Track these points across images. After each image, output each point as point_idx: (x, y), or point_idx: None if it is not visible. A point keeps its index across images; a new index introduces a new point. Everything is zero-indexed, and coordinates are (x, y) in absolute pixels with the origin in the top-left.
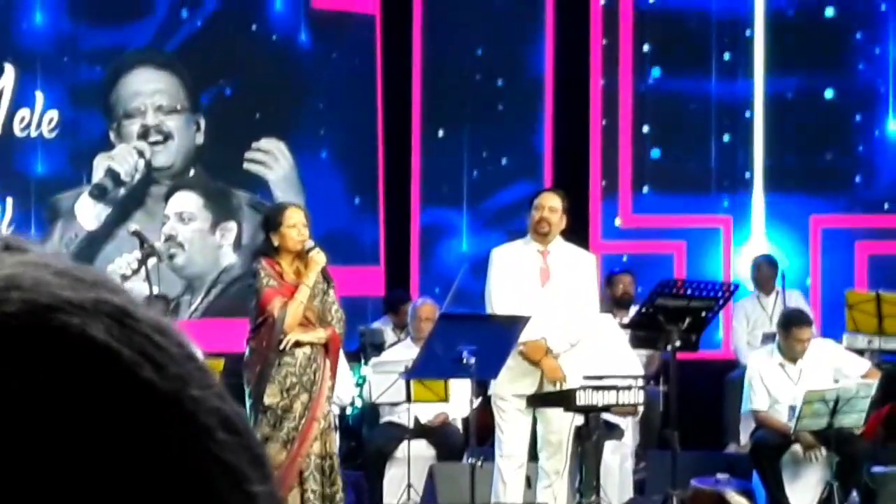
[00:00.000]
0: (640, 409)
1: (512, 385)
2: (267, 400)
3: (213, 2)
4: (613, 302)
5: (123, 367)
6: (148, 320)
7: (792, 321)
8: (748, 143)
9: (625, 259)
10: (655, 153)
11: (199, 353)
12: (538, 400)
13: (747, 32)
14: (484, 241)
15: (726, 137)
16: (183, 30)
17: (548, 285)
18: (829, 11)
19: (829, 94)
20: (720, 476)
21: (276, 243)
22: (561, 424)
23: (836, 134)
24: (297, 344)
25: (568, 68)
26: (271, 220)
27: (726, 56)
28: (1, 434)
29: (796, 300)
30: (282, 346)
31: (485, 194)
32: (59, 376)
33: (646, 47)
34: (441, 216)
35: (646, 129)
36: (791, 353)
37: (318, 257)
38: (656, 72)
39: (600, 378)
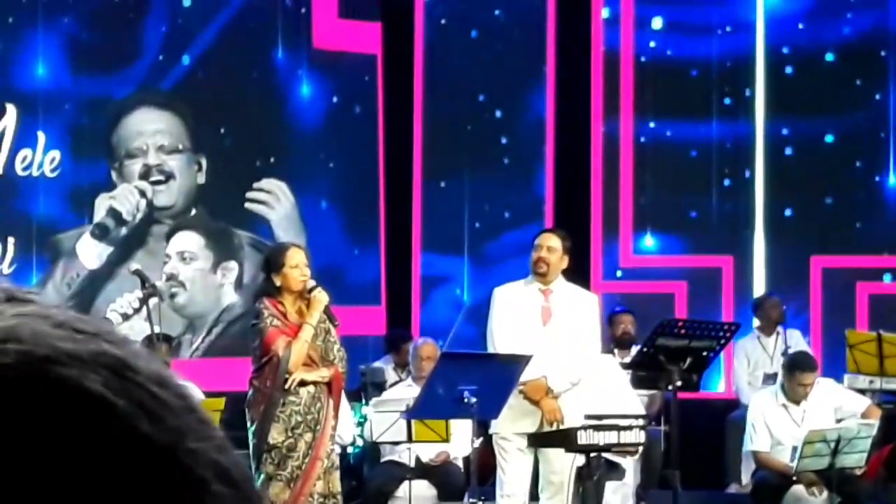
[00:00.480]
0: (640, 448)
1: (513, 424)
2: (272, 439)
3: (214, 44)
4: (614, 342)
5: (119, 420)
6: (148, 372)
7: (797, 365)
8: (749, 186)
9: (619, 298)
10: (656, 196)
11: (201, 397)
12: (539, 439)
13: (748, 78)
14: (485, 285)
15: (727, 181)
16: (184, 72)
17: (549, 325)
18: (829, 56)
19: (829, 138)
20: None
21: (278, 283)
22: (562, 464)
23: (836, 179)
24: (302, 383)
25: (569, 114)
26: (273, 260)
27: (727, 101)
28: None
29: (797, 340)
30: (287, 386)
31: (486, 239)
32: (54, 428)
33: (646, 93)
34: (442, 256)
35: (646, 173)
36: (794, 396)
37: (321, 297)
38: (655, 119)
39: (601, 418)
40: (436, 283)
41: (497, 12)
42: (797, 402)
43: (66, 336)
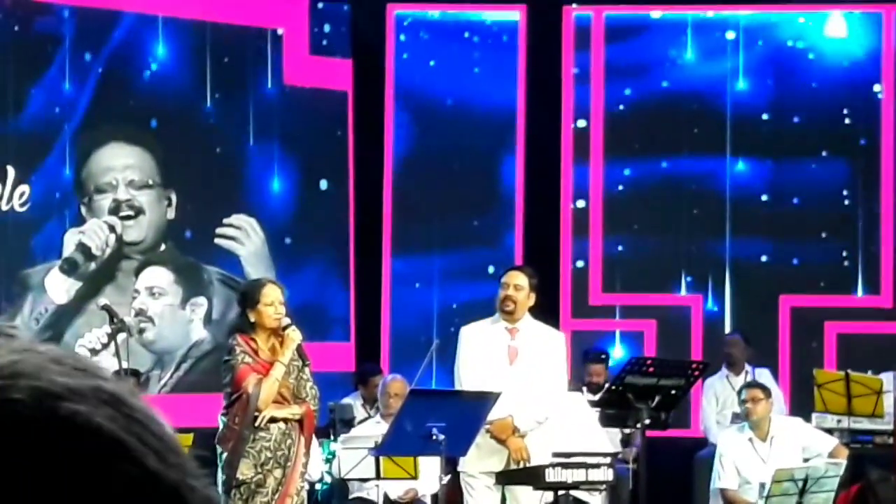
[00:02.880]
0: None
1: (480, 463)
2: (240, 475)
3: (185, 79)
4: (585, 385)
5: (130, 456)
6: (141, 408)
7: (744, 386)
8: (719, 227)
9: (590, 336)
10: (626, 237)
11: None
12: (507, 477)
13: (718, 122)
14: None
15: (697, 220)
16: (155, 105)
17: (516, 363)
18: (796, 119)
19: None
20: None
21: (252, 320)
22: (530, 502)
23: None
24: (272, 420)
25: (539, 166)
26: (249, 296)
27: (698, 143)
28: None
29: (765, 379)
30: (257, 423)
31: (455, 280)
32: (69, 464)
33: (615, 138)
34: (412, 290)
35: (616, 212)
36: (755, 423)
37: (294, 335)
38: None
39: (569, 455)
40: (406, 319)
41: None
42: (763, 437)
43: (66, 371)
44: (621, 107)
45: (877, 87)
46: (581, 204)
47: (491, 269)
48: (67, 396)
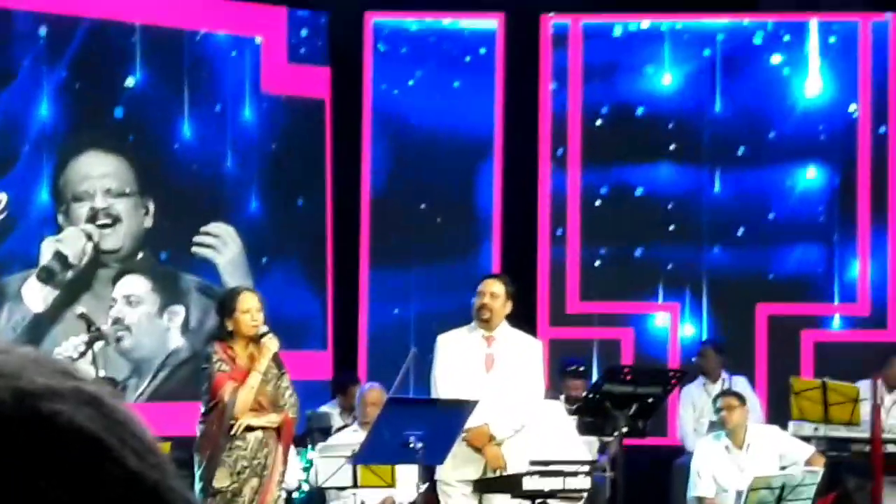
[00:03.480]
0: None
1: (456, 471)
2: (217, 483)
3: (162, 86)
4: (566, 399)
5: (111, 456)
6: (120, 409)
7: (720, 394)
8: (696, 236)
9: (568, 346)
10: (603, 246)
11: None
12: (484, 485)
13: (696, 131)
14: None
15: (673, 228)
16: (132, 113)
17: (492, 371)
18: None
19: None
20: None
21: (229, 328)
22: None
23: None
24: (249, 428)
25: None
26: (226, 304)
27: (676, 153)
28: None
29: (742, 387)
30: (232, 432)
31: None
32: (51, 463)
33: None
34: (389, 299)
35: (593, 220)
36: (731, 431)
37: (271, 343)
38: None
39: (547, 464)
40: (383, 328)
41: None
42: (739, 445)
43: (46, 372)
44: (599, 121)
45: (852, 107)
46: (559, 213)
47: (468, 278)
48: (49, 397)
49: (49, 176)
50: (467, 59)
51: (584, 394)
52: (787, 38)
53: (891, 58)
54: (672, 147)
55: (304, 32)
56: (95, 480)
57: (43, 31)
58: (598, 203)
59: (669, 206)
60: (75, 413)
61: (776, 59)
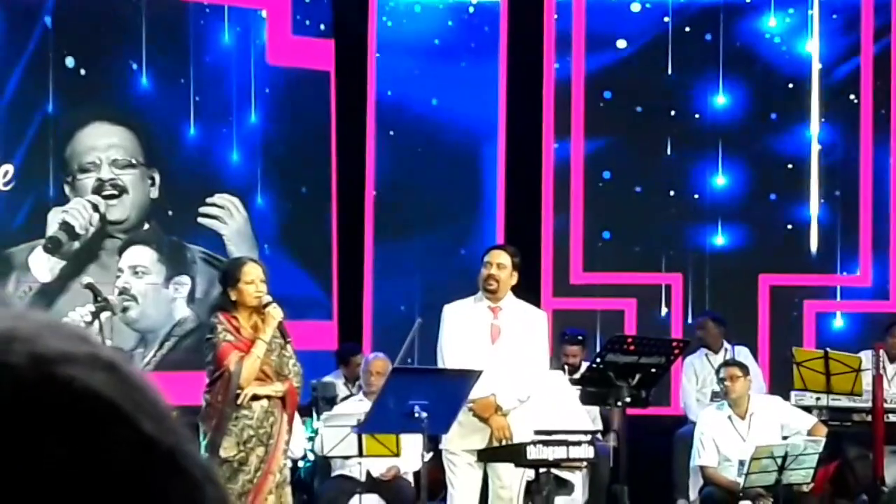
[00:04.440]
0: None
1: (462, 441)
2: (223, 453)
3: (169, 58)
4: (562, 367)
5: (127, 420)
6: (135, 374)
7: (723, 364)
8: (700, 207)
9: (570, 316)
10: (607, 213)
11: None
12: (489, 454)
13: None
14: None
15: (677, 200)
16: (138, 85)
17: (498, 342)
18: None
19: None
20: None
21: (233, 298)
22: (511, 479)
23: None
24: (255, 397)
25: (520, 134)
26: (229, 275)
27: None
28: (11, 480)
29: (744, 357)
30: (239, 401)
31: (437, 258)
32: (66, 426)
33: (597, 112)
34: (394, 269)
35: (597, 190)
36: (733, 401)
37: (275, 312)
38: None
39: (550, 433)
40: (387, 297)
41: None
42: (742, 415)
43: (63, 337)
44: (603, 94)
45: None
46: (562, 183)
47: (472, 248)
48: (64, 361)
49: (55, 147)
50: (471, 33)
51: (580, 361)
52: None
53: None
54: (677, 120)
55: (308, 4)
56: (111, 444)
57: (50, 3)
58: (602, 173)
59: (672, 178)
60: (91, 377)
61: (776, 38)
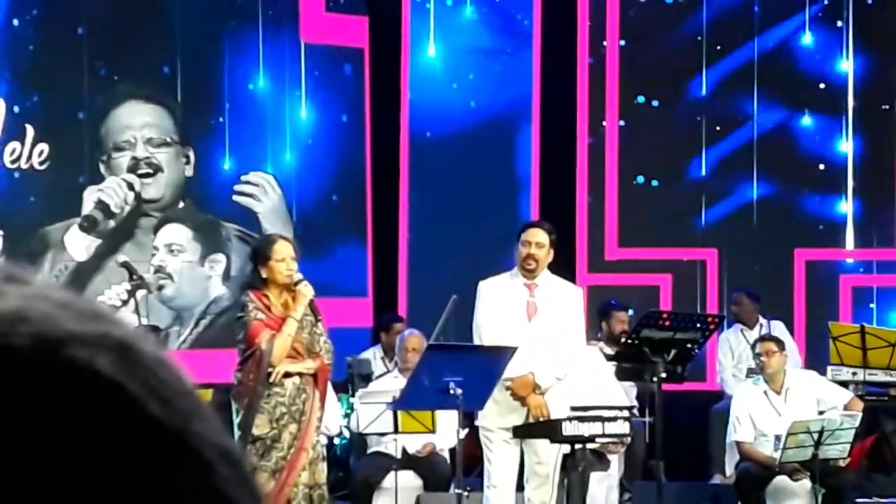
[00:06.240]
0: (627, 440)
1: (500, 419)
2: (256, 430)
3: (201, 38)
4: (610, 338)
5: (130, 402)
6: (151, 354)
7: (758, 339)
8: (736, 178)
9: (605, 291)
10: (641, 181)
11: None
12: (525, 430)
13: (741, 65)
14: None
15: (713, 174)
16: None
17: (534, 320)
18: (806, 39)
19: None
20: None
21: (264, 276)
22: (548, 455)
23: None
24: (287, 374)
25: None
26: (260, 252)
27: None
28: (9, 466)
29: (780, 332)
30: (271, 379)
31: (472, 235)
32: (67, 410)
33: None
34: (430, 246)
35: (632, 157)
36: (769, 376)
37: (306, 290)
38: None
39: (586, 409)
40: (423, 274)
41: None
42: (778, 390)
43: (73, 317)
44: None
45: None
46: (596, 156)
47: (507, 224)
48: (70, 343)
49: (90, 126)
50: (505, 9)
51: (628, 325)
52: None
53: None
54: (716, 78)
55: None
56: (111, 428)
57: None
58: (635, 147)
59: (709, 150)
60: (95, 359)
61: None
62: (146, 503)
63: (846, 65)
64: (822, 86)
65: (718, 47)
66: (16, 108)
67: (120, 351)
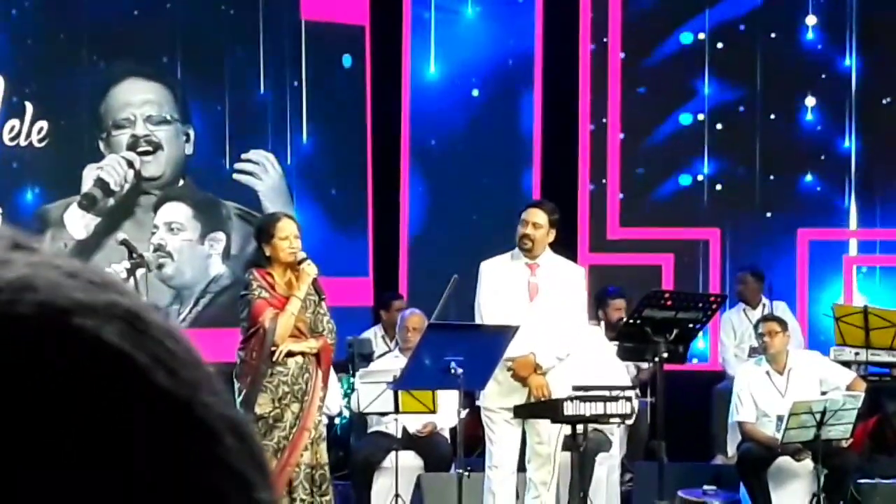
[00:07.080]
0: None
1: (501, 399)
2: (258, 409)
3: (203, 16)
4: (608, 327)
5: (137, 372)
6: (159, 324)
7: (761, 319)
8: (739, 159)
9: (607, 271)
10: (644, 168)
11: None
12: (526, 410)
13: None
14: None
15: (716, 153)
16: (170, 41)
17: (536, 300)
18: (811, 19)
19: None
20: (707, 488)
21: (268, 254)
22: (549, 435)
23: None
24: (290, 354)
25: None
26: (263, 231)
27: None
28: (13, 435)
29: (783, 312)
30: (274, 358)
31: (473, 213)
32: (73, 379)
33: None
34: (430, 225)
35: (633, 138)
36: (772, 357)
37: (310, 269)
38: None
39: (588, 389)
40: (423, 253)
41: None
42: (780, 370)
43: (80, 286)
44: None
45: None
46: (599, 138)
47: (509, 203)
48: (75, 311)
49: (90, 103)
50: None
51: (626, 313)
52: None
53: None
54: (720, 61)
55: None
56: (118, 398)
57: None
58: (640, 126)
59: (712, 129)
60: (102, 328)
61: None
62: (153, 474)
63: (849, 52)
64: (823, 76)
65: (719, 45)
66: (16, 86)
67: (127, 321)
